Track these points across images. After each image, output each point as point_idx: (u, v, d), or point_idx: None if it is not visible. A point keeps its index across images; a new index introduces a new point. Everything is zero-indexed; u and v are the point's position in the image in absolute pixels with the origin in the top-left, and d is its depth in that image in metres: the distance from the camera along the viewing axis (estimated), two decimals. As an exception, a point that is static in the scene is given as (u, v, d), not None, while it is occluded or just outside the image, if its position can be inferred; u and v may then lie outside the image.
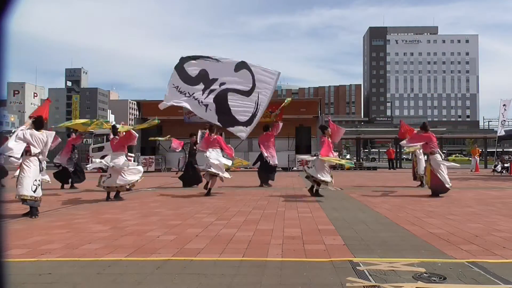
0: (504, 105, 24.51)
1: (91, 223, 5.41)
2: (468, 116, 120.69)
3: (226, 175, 8.95)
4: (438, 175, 8.56)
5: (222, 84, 8.98)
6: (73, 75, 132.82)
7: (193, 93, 8.95)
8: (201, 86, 9.00)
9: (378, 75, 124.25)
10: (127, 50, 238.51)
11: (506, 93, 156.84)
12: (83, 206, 7.33)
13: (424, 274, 2.92)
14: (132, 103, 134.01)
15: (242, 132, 8.98)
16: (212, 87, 8.97)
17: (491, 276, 2.89)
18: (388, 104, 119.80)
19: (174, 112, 22.87)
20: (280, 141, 19.29)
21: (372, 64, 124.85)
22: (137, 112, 25.18)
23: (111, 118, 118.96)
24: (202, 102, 8.93)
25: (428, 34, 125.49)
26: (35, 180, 6.01)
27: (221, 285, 2.73)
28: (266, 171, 11.68)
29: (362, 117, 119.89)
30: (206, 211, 6.56)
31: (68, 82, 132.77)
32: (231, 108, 8.96)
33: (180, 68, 9.11)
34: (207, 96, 8.95)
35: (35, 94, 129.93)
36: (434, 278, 2.84)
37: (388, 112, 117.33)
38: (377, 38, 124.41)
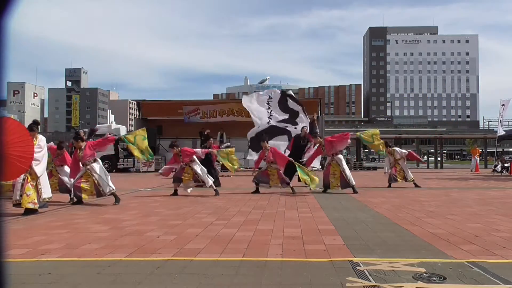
0: (502, 104, 24.51)
1: (91, 223, 5.41)
2: (468, 116, 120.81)
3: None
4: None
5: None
6: (73, 75, 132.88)
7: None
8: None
9: (378, 75, 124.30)
10: (127, 50, 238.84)
11: (506, 93, 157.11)
12: (83, 206, 7.33)
13: (424, 274, 2.92)
14: (132, 103, 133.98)
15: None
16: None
17: (491, 276, 2.88)
18: (388, 104, 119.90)
19: (174, 112, 23.01)
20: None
21: (372, 64, 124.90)
22: (137, 112, 25.16)
23: (111, 118, 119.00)
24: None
25: (428, 34, 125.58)
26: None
27: (221, 285, 2.73)
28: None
29: (362, 117, 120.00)
30: (206, 211, 6.56)
31: (68, 82, 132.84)
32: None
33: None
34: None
35: (35, 94, 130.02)
36: (434, 278, 2.84)
37: (388, 112, 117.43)
38: (377, 38, 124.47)
